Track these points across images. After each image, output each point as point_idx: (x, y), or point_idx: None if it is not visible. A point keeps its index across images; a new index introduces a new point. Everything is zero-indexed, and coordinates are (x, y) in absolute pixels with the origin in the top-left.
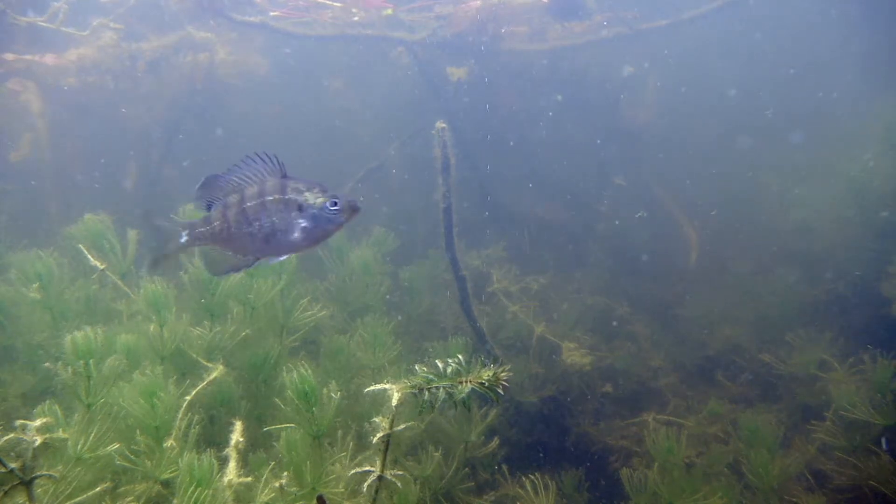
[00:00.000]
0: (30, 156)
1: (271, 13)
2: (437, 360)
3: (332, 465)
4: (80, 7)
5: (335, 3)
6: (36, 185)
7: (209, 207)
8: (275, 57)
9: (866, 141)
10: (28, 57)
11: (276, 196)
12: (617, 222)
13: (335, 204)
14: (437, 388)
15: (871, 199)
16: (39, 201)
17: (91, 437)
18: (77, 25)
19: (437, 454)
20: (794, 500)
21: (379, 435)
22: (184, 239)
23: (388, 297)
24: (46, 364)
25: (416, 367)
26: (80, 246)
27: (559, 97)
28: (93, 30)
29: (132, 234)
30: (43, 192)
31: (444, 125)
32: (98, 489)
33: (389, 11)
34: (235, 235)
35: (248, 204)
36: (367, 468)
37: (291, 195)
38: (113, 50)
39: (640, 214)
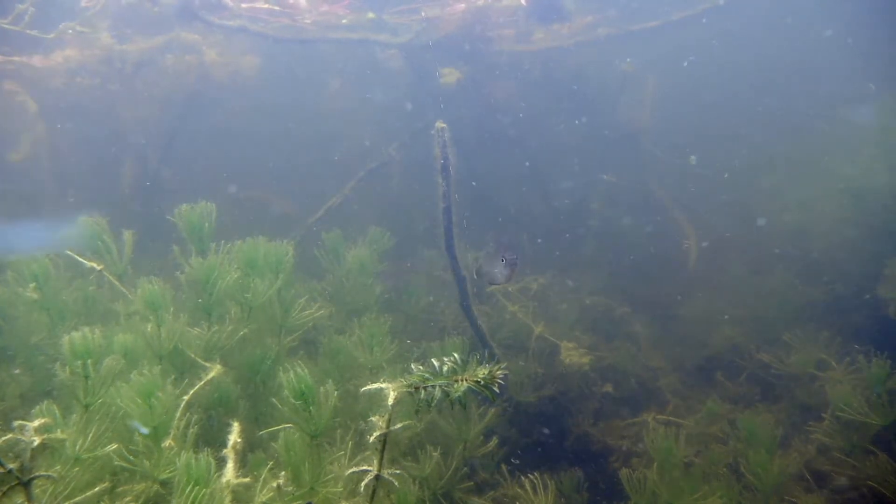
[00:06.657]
0: (29, 156)
1: (231, 22)
2: (433, 359)
3: (331, 464)
4: (67, 8)
5: (288, 10)
6: (34, 186)
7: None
8: (263, 59)
9: (864, 143)
10: (17, 58)
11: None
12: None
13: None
14: (434, 386)
15: (869, 200)
16: (37, 201)
17: (89, 438)
18: (64, 28)
19: (435, 454)
20: (794, 500)
21: (376, 434)
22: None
23: (385, 296)
24: (16, 371)
25: (413, 366)
26: (69, 251)
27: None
28: (59, 32)
29: (128, 235)
30: (41, 193)
31: (443, 125)
32: (97, 489)
33: (371, 15)
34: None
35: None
36: (364, 468)
37: None
38: (99, 52)
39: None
